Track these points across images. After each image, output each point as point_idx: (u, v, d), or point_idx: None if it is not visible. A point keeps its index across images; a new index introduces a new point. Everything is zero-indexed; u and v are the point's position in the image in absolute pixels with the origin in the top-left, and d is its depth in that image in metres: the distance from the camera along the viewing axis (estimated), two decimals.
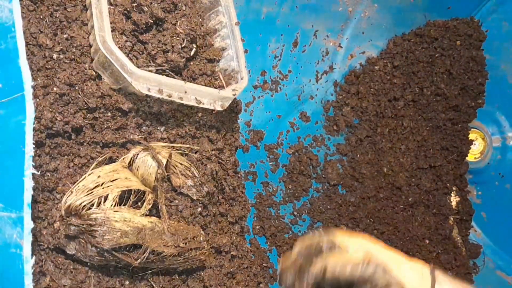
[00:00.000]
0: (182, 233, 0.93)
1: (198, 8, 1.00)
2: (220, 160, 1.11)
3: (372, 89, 1.52)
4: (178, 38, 0.92)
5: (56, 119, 0.85)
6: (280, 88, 1.45)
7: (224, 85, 1.01)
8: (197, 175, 1.03)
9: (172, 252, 0.90)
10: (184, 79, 0.94)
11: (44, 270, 0.85)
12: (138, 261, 0.86)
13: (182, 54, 0.93)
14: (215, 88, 0.98)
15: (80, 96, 0.88)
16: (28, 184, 0.67)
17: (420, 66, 1.54)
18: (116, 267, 0.92)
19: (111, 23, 0.87)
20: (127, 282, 0.94)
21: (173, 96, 0.90)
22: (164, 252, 0.88)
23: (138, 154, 0.92)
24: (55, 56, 0.87)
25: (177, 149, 1.01)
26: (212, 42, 1.03)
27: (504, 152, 1.65)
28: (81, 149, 0.92)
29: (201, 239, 0.96)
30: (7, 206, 0.68)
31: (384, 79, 1.52)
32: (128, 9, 0.89)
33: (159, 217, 0.92)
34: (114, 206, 0.84)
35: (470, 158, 1.68)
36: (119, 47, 0.84)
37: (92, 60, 0.90)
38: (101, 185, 0.84)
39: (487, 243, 1.64)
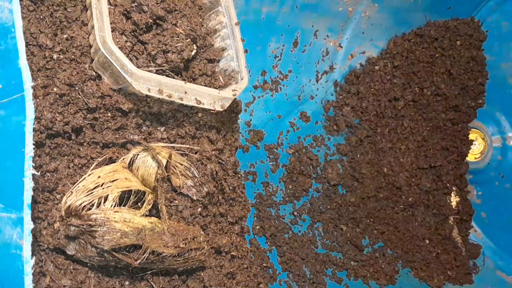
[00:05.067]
0: (182, 234, 0.93)
1: (198, 8, 1.00)
2: (220, 160, 1.10)
3: (372, 89, 1.52)
4: (178, 38, 0.92)
5: (56, 120, 0.85)
6: (280, 88, 1.45)
7: (224, 85, 1.01)
8: (197, 175, 1.02)
9: (172, 253, 0.90)
10: (184, 80, 0.94)
11: (44, 271, 0.85)
12: (138, 261, 0.86)
13: (182, 55, 0.93)
14: (215, 88, 0.98)
15: (80, 97, 0.88)
16: (28, 184, 0.67)
17: (420, 66, 1.54)
18: (116, 268, 0.92)
19: (111, 23, 0.86)
20: (127, 283, 0.94)
21: (173, 96, 0.90)
22: (164, 252, 0.88)
23: (138, 154, 0.92)
24: (55, 56, 0.87)
25: (177, 150, 1.01)
26: (212, 42, 1.03)
27: (504, 152, 1.65)
28: (81, 149, 0.92)
29: (201, 239, 0.96)
30: (7, 207, 0.68)
31: (384, 79, 1.52)
32: (128, 9, 0.89)
33: (159, 217, 0.92)
34: (114, 206, 0.84)
35: (470, 158, 1.68)
36: (119, 47, 0.84)
37: (92, 60, 0.89)
38: (101, 186, 0.84)
39: (487, 243, 1.64)
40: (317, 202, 1.44)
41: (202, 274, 1.04)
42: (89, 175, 0.86)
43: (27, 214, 0.67)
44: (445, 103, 1.56)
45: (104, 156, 0.92)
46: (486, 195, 1.67)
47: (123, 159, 0.92)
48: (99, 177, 0.85)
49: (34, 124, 0.68)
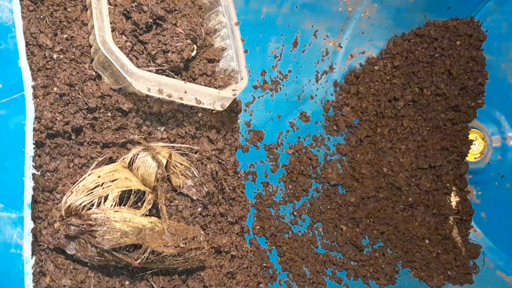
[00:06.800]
0: (182, 233, 0.93)
1: (198, 8, 1.00)
2: (220, 160, 1.10)
3: (372, 89, 1.52)
4: (178, 38, 0.92)
5: (56, 119, 0.85)
6: (280, 88, 1.45)
7: (224, 85, 1.01)
8: (197, 175, 1.03)
9: (172, 252, 0.90)
10: (184, 79, 0.94)
11: (44, 270, 0.85)
12: (138, 261, 0.86)
13: (182, 54, 0.93)
14: (215, 88, 0.98)
15: (80, 96, 0.88)
16: (28, 184, 0.67)
17: (420, 66, 1.54)
18: (116, 267, 0.92)
19: (111, 23, 0.87)
20: (127, 282, 0.94)
21: (173, 96, 0.90)
22: (164, 252, 0.88)
23: (138, 154, 0.92)
24: (55, 56, 0.87)
25: (177, 149, 1.01)
26: (212, 42, 1.03)
27: (504, 152, 1.65)
28: (81, 149, 0.92)
29: (201, 239, 0.96)
30: (7, 206, 0.68)
31: (384, 79, 1.52)
32: (128, 9, 0.89)
33: (159, 217, 0.92)
34: (114, 206, 0.84)
35: (470, 158, 1.68)
36: (119, 47, 0.84)
37: (92, 60, 0.90)
38: (101, 185, 0.84)
39: (487, 243, 1.64)
40: (317, 202, 1.44)
41: (202, 274, 1.04)
42: (89, 174, 0.86)
43: (27, 214, 0.67)
44: (445, 103, 1.56)
45: (104, 156, 0.92)
46: (486, 195, 1.67)
47: (123, 159, 0.92)
48: (99, 176, 0.85)
49: (34, 124, 0.68)
